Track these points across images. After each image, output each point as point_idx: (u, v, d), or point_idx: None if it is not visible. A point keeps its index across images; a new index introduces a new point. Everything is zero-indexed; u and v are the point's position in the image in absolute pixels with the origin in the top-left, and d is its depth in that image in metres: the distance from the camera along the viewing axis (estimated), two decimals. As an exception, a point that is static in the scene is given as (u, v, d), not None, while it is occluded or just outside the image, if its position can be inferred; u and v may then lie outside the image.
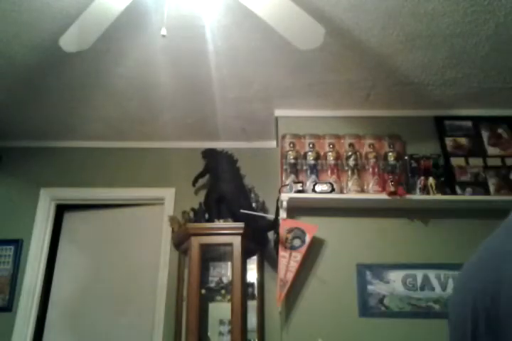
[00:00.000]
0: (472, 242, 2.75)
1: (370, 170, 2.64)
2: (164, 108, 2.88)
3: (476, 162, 2.69)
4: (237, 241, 2.57)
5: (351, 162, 2.64)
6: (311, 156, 2.68)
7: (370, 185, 2.59)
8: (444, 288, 2.41)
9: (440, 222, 2.55)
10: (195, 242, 2.59)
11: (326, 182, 2.55)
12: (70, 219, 3.35)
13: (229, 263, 2.79)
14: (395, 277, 2.43)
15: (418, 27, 2.14)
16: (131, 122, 3.06)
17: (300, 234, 2.44)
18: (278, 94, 2.73)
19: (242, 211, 2.62)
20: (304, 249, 2.40)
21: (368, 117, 2.87)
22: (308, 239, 2.41)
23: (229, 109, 2.87)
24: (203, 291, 2.63)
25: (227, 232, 2.61)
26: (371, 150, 2.71)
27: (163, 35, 1.65)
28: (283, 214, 2.50)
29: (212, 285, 2.83)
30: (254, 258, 2.89)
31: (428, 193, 2.49)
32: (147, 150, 3.30)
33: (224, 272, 2.89)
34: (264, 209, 2.95)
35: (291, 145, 2.73)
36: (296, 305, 2.40)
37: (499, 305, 0.58)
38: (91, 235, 3.25)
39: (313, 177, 2.63)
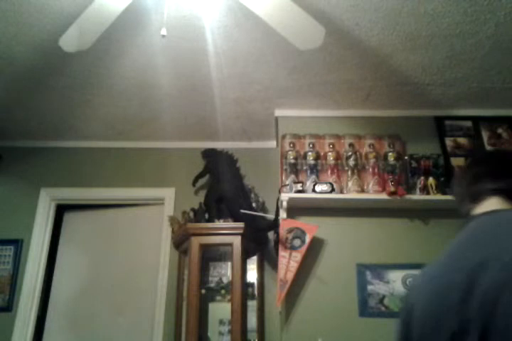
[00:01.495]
0: (472, 242, 2.73)
1: (370, 170, 2.64)
2: (164, 108, 2.88)
3: (476, 162, 2.68)
4: (237, 241, 2.57)
5: (351, 162, 2.64)
6: (311, 156, 2.68)
7: (370, 185, 2.60)
8: (444, 288, 2.40)
9: (440, 222, 2.55)
10: (195, 242, 2.59)
11: (326, 182, 2.55)
12: (70, 219, 3.35)
13: (229, 263, 2.79)
14: (395, 277, 2.43)
15: (418, 27, 2.14)
16: (132, 122, 3.06)
17: (300, 234, 2.44)
18: (278, 94, 2.74)
19: (242, 211, 2.62)
20: (304, 249, 2.40)
21: (368, 117, 2.87)
22: (308, 239, 2.41)
23: (229, 109, 2.87)
24: (203, 291, 2.63)
25: (227, 232, 2.61)
26: (371, 150, 2.71)
27: (163, 35, 1.65)
28: (283, 214, 2.50)
29: (212, 285, 2.83)
30: (254, 258, 2.89)
31: (428, 193, 2.50)
32: (147, 150, 3.30)
33: (224, 272, 2.89)
34: (264, 209, 2.95)
35: (291, 145, 2.73)
36: (296, 305, 2.40)
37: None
38: (91, 235, 3.25)
39: (313, 177, 2.63)
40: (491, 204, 0.95)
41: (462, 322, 0.74)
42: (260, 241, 2.85)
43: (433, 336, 0.81)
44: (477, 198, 0.98)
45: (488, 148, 2.75)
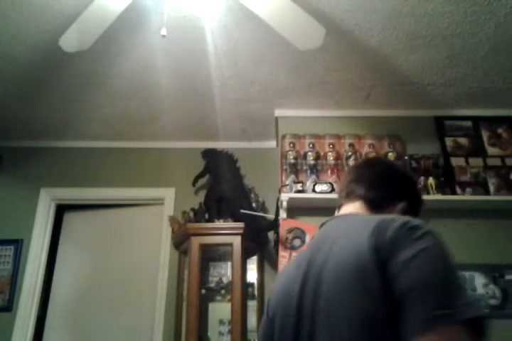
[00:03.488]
0: (472, 242, 2.74)
1: (370, 170, 2.64)
2: (164, 108, 2.88)
3: (476, 162, 2.68)
4: (237, 241, 2.57)
5: (351, 162, 2.64)
6: (311, 156, 2.68)
7: (370, 185, 2.59)
8: (444, 288, 2.40)
9: (440, 222, 2.54)
10: (195, 242, 2.59)
11: (326, 182, 2.55)
12: (70, 219, 3.35)
13: (229, 263, 2.79)
14: (395, 277, 2.43)
15: (418, 27, 2.14)
16: (132, 122, 3.06)
17: (300, 234, 2.44)
18: (278, 94, 2.74)
19: (242, 211, 2.62)
20: (303, 248, 2.39)
21: (368, 117, 2.87)
22: (308, 239, 2.41)
23: (229, 109, 2.87)
24: (203, 291, 2.63)
25: (227, 232, 2.61)
26: (371, 150, 2.71)
27: (163, 36, 1.65)
28: (283, 214, 2.50)
29: (212, 285, 2.83)
30: (254, 258, 2.89)
31: (428, 193, 2.49)
32: (147, 150, 3.30)
33: (224, 272, 2.89)
34: (264, 209, 2.95)
35: (291, 145, 2.73)
36: (296, 305, 2.40)
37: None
38: (91, 235, 3.25)
39: (313, 177, 2.63)
40: (354, 206, 1.09)
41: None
42: (260, 241, 2.84)
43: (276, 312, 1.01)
44: (349, 197, 1.12)
45: (488, 148, 2.75)
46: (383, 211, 1.07)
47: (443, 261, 0.81)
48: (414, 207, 1.13)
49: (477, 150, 2.74)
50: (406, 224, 0.86)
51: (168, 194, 3.16)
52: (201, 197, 2.98)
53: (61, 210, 3.32)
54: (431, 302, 0.74)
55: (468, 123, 2.84)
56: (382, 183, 1.12)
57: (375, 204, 1.08)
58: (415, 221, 0.88)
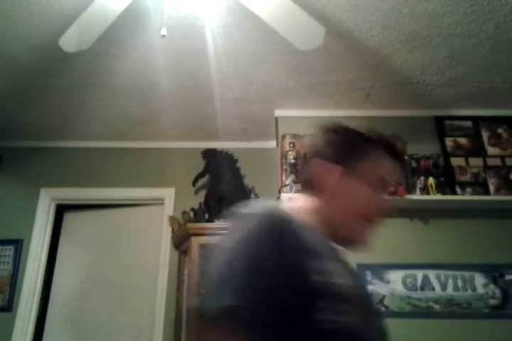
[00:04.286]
0: (472, 242, 2.74)
1: (370, 170, 2.63)
2: (164, 108, 2.88)
3: (476, 162, 2.68)
4: (237, 241, 2.56)
5: (351, 162, 2.64)
6: (311, 156, 2.67)
7: (370, 185, 2.59)
8: (444, 288, 2.40)
9: (440, 222, 2.55)
10: (195, 242, 2.59)
11: (326, 182, 2.54)
12: (70, 219, 3.35)
13: (229, 263, 2.79)
14: (395, 277, 2.43)
15: (418, 27, 2.14)
16: (132, 122, 3.06)
17: (300, 234, 2.43)
18: (278, 94, 2.73)
19: (242, 211, 2.62)
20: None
21: (368, 117, 2.87)
22: (308, 239, 2.41)
23: (229, 109, 2.87)
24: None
25: (227, 232, 2.61)
26: (371, 150, 2.70)
27: (163, 36, 1.65)
28: (283, 214, 2.49)
29: (212, 285, 2.82)
30: (254, 258, 2.88)
31: (428, 193, 2.49)
32: (147, 150, 3.30)
33: (224, 272, 2.89)
34: (264, 209, 2.94)
35: (291, 145, 2.73)
36: (296, 305, 2.39)
37: None
38: (91, 235, 3.25)
39: (313, 177, 2.62)
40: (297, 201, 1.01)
41: None
42: (260, 241, 2.84)
43: None
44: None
45: (488, 148, 2.75)
46: (316, 190, 0.93)
47: (229, 254, 0.79)
48: (358, 165, 0.92)
49: (477, 150, 2.74)
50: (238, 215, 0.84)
51: (168, 194, 3.16)
52: (201, 197, 2.98)
53: (61, 210, 3.32)
54: (204, 296, 0.79)
55: (468, 123, 2.84)
56: (308, 161, 0.97)
57: (304, 188, 0.99)
58: (256, 207, 0.83)
